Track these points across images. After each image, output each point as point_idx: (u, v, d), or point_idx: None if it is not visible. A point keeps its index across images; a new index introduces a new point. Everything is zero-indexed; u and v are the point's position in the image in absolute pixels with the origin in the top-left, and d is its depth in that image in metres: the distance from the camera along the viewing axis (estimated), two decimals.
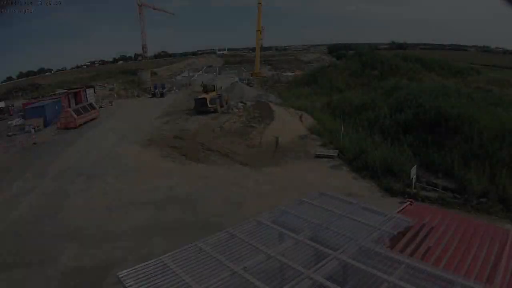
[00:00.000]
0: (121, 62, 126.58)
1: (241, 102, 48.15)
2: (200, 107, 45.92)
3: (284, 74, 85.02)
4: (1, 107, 59.15)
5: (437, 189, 23.06)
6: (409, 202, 11.90)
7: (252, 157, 30.65)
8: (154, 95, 66.76)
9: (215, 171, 28.26)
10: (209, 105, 45.29)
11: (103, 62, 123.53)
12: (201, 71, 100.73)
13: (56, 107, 49.46)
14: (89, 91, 59.70)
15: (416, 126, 31.01)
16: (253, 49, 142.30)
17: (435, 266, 7.78)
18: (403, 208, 11.41)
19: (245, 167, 28.84)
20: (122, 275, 7.70)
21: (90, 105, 51.52)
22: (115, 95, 70.60)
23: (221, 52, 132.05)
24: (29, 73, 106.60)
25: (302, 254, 8.29)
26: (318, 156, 30.23)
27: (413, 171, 22.96)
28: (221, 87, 54.05)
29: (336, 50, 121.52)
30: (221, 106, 46.30)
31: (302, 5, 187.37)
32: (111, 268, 15.13)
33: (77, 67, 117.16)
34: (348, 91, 50.12)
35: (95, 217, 21.46)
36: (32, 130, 42.22)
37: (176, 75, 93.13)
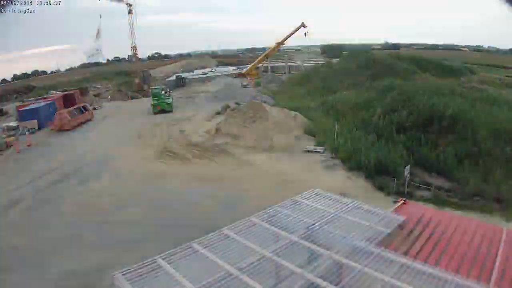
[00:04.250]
0: (115, 63, 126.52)
1: (236, 102, 48.16)
2: None
3: (278, 74, 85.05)
4: None
5: (431, 188, 23.14)
6: (403, 201, 11.93)
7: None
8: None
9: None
10: None
11: (97, 64, 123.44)
12: (193, 72, 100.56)
13: (50, 109, 49.27)
14: None
15: (410, 125, 31.12)
16: (246, 50, 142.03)
17: (429, 264, 7.81)
18: (397, 207, 11.45)
19: (240, 167, 28.80)
20: (117, 276, 7.70)
21: (84, 106, 51.45)
22: (109, 97, 70.49)
23: None
24: (24, 75, 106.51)
25: (296, 254, 8.31)
26: (306, 151, 30.95)
27: (407, 170, 23.04)
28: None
29: (330, 50, 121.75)
30: None
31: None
32: None
33: (71, 69, 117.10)
34: (342, 91, 50.18)
35: None
36: (27, 132, 42.11)
37: (169, 76, 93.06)
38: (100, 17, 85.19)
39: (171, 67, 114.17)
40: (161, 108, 50.50)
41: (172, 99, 54.78)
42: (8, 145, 38.23)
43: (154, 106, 51.05)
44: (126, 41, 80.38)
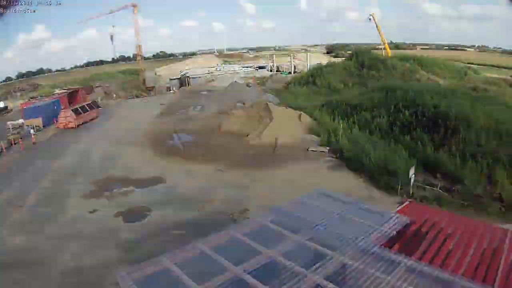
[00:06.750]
0: (121, 62, 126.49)
1: (241, 102, 48.16)
2: None
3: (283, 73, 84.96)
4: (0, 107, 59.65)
5: (435, 188, 23.07)
6: (407, 202, 11.92)
7: (251, 157, 30.62)
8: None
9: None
10: None
11: (102, 62, 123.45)
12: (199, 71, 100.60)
13: (55, 107, 49.41)
14: None
15: (414, 126, 31.01)
16: (252, 49, 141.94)
17: (433, 266, 7.80)
18: (402, 208, 11.43)
19: (244, 167, 28.74)
20: (120, 275, 7.71)
21: (89, 105, 51.52)
22: (114, 95, 70.51)
23: None
24: (28, 73, 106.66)
25: (301, 255, 8.30)
26: (311, 151, 31.16)
27: (411, 171, 22.96)
28: None
29: (334, 50, 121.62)
30: None
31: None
32: None
33: (76, 67, 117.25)
34: (346, 91, 50.11)
35: None
36: (31, 131, 42.21)
37: (174, 75, 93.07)
38: (113, 27, 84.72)
39: (176, 65, 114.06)
40: None
41: None
42: (13, 143, 38.38)
43: None
44: (132, 39, 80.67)
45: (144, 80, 79.60)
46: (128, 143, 36.38)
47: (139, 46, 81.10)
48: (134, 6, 77.61)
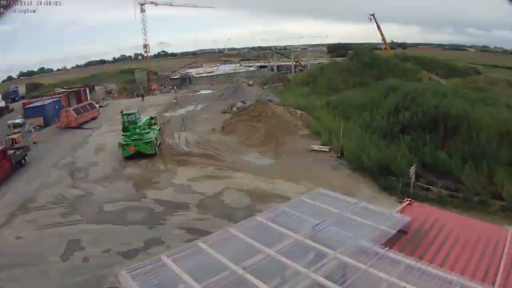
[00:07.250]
0: (121, 61, 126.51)
1: (242, 101, 48.21)
2: None
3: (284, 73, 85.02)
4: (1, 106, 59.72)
5: (436, 188, 23.08)
6: (408, 202, 11.90)
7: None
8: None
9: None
10: None
11: (103, 62, 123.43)
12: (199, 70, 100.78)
13: (56, 107, 49.47)
14: None
15: (415, 126, 30.98)
16: (253, 49, 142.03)
17: (434, 265, 7.80)
18: (402, 208, 11.42)
19: (245, 166, 28.82)
20: (122, 274, 7.72)
21: (90, 104, 51.56)
22: (115, 95, 70.57)
23: None
24: (30, 73, 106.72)
25: (301, 253, 8.30)
26: (312, 150, 31.26)
27: (412, 170, 23.00)
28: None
29: (335, 50, 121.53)
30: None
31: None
32: None
33: (77, 66, 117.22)
34: (347, 91, 50.10)
35: None
36: (32, 130, 42.25)
37: (174, 74, 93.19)
38: None
39: (177, 65, 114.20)
40: (137, 150, 31.67)
41: (159, 129, 36.53)
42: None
43: (123, 146, 32.00)
44: (131, 39, 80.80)
45: (146, 79, 79.77)
46: None
47: (146, 45, 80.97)
48: (142, 5, 77.66)
